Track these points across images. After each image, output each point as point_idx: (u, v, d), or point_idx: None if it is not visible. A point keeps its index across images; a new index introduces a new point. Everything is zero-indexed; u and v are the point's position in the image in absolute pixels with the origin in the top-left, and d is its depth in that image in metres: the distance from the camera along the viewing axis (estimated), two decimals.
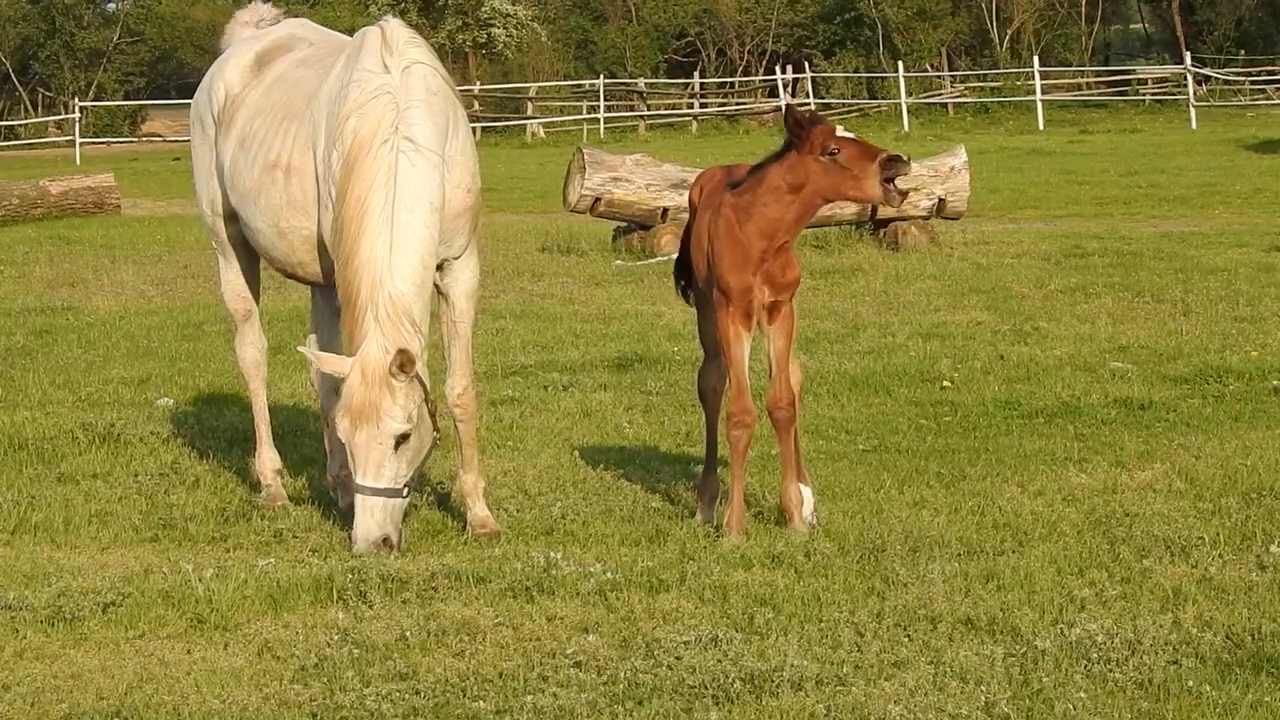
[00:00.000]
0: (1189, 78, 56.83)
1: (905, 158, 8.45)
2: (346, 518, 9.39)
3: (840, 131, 8.51)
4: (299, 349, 9.50)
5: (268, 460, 10.27)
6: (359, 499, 8.86)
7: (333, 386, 9.40)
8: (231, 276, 10.35)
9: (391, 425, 8.77)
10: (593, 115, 63.35)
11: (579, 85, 69.21)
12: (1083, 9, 72.78)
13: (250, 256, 10.21)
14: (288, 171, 9.48)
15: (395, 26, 9.43)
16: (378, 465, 8.79)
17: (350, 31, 10.17)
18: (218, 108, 10.06)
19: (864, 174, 8.46)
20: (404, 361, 8.70)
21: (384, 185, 8.91)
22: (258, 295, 10.48)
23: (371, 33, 9.44)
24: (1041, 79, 58.84)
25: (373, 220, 8.88)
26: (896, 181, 8.44)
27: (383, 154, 8.95)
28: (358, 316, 8.86)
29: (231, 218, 10.07)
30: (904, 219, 22.26)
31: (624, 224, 23.10)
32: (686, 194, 9.78)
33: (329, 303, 9.99)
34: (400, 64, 9.20)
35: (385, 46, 9.25)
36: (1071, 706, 6.48)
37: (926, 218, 22.48)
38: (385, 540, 8.78)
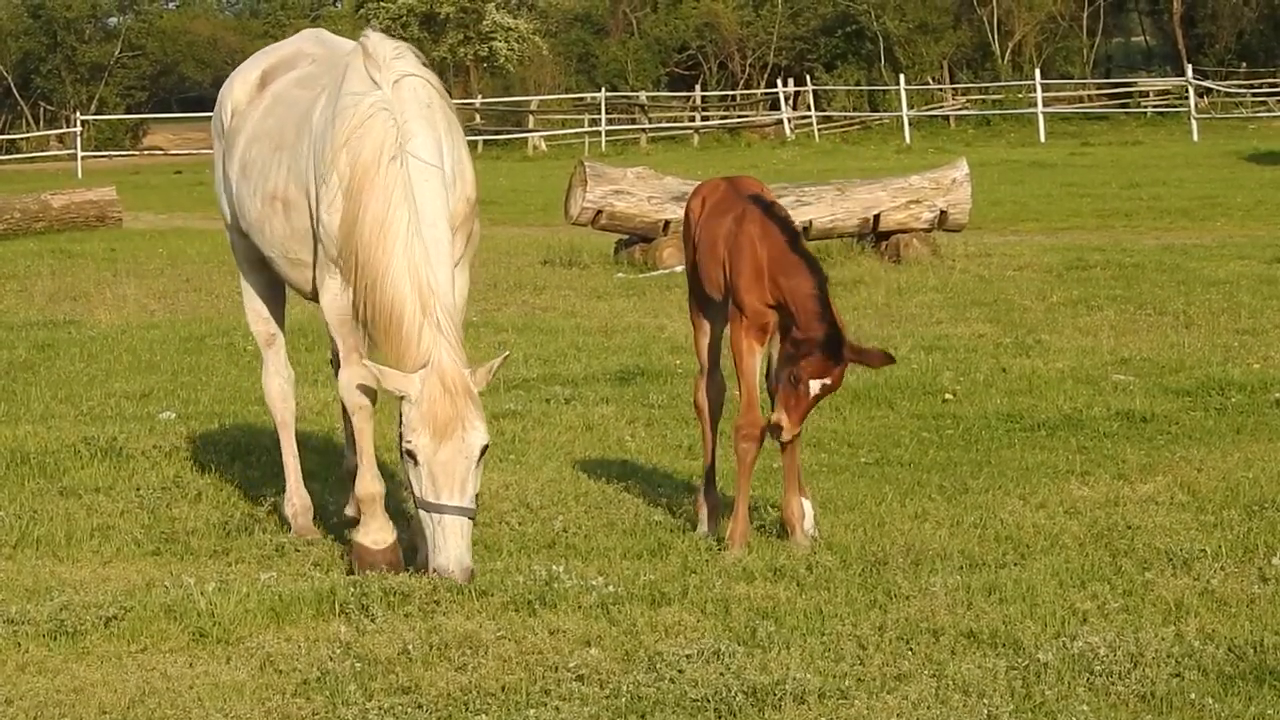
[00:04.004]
0: (1190, 90, 56.84)
1: (782, 429, 8.47)
2: (351, 523, 9.31)
3: (813, 390, 8.41)
4: (365, 364, 8.68)
5: (299, 503, 9.76)
6: (446, 521, 8.28)
7: (358, 386, 8.88)
8: (251, 297, 9.99)
9: (477, 438, 8.31)
10: (594, 128, 63.38)
11: (580, 98, 69.21)
12: (1084, 22, 72.79)
13: (269, 276, 9.77)
14: (286, 204, 9.12)
15: (378, 41, 8.97)
16: (463, 481, 8.30)
17: None
18: (226, 124, 9.79)
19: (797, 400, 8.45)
20: (491, 368, 8.47)
21: (402, 202, 8.50)
22: (282, 317, 10.04)
23: (354, 54, 9.00)
24: (1043, 91, 58.85)
25: (400, 238, 8.43)
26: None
27: (393, 170, 8.54)
28: (406, 334, 8.37)
29: (242, 235, 9.70)
30: (906, 231, 22.29)
31: (626, 237, 23.11)
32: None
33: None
34: (390, 77, 8.76)
35: (370, 62, 8.81)
36: (1074, 719, 6.48)
37: (928, 230, 22.50)
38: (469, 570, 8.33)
